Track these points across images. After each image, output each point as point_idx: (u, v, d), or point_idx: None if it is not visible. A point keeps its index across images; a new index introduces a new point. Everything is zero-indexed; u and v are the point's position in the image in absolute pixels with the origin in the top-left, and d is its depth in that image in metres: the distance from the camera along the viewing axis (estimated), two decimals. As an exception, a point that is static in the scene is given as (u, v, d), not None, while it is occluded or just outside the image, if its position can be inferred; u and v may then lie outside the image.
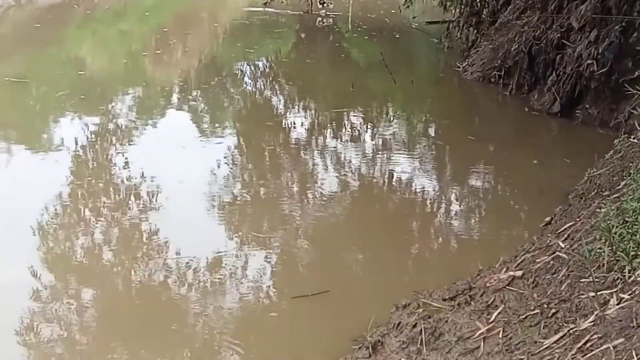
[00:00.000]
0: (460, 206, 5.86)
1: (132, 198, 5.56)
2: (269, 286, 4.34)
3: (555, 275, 3.42)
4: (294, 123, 8.31)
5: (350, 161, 6.87)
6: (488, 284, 3.61)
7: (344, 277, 4.44)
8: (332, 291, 4.11)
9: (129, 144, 7.03)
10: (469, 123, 8.44)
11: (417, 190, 6.11)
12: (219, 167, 6.43)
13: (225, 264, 4.51)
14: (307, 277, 4.45)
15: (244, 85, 10.63)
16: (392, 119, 8.93)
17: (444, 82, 10.95)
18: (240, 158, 6.93)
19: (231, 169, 6.52)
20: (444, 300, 3.58)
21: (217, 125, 8.22)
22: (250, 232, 5.01)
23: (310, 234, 5.10)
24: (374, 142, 7.69)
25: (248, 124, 8.39)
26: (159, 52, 12.46)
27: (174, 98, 9.46)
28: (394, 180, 6.37)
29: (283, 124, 8.42)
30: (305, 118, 8.74)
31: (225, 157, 6.78)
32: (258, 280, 4.39)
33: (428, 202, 5.93)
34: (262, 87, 10.58)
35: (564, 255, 3.58)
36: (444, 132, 8.19)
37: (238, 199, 5.74)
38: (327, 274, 4.45)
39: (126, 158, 6.51)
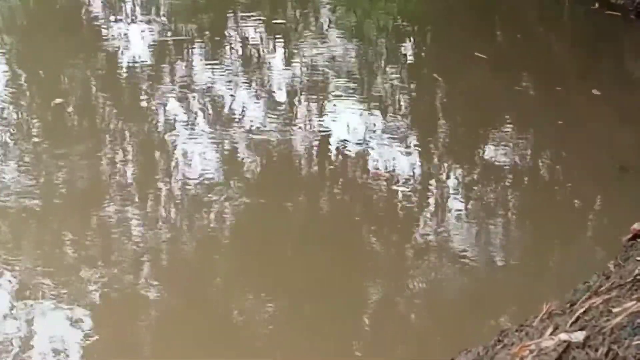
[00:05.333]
0: (464, 201, 5.96)
1: None
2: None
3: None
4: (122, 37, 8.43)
5: (243, 119, 6.94)
6: (518, 361, 3.66)
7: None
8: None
9: None
10: (478, 30, 8.66)
11: (381, 171, 6.19)
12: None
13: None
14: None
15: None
16: (326, 27, 9.03)
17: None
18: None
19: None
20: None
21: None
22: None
23: (162, 267, 5.12)
24: (290, 78, 7.78)
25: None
26: None
27: None
28: (333, 154, 6.44)
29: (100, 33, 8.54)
30: (148, 27, 8.84)
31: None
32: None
33: (400, 194, 5.98)
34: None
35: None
36: (431, 47, 8.36)
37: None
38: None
39: None
